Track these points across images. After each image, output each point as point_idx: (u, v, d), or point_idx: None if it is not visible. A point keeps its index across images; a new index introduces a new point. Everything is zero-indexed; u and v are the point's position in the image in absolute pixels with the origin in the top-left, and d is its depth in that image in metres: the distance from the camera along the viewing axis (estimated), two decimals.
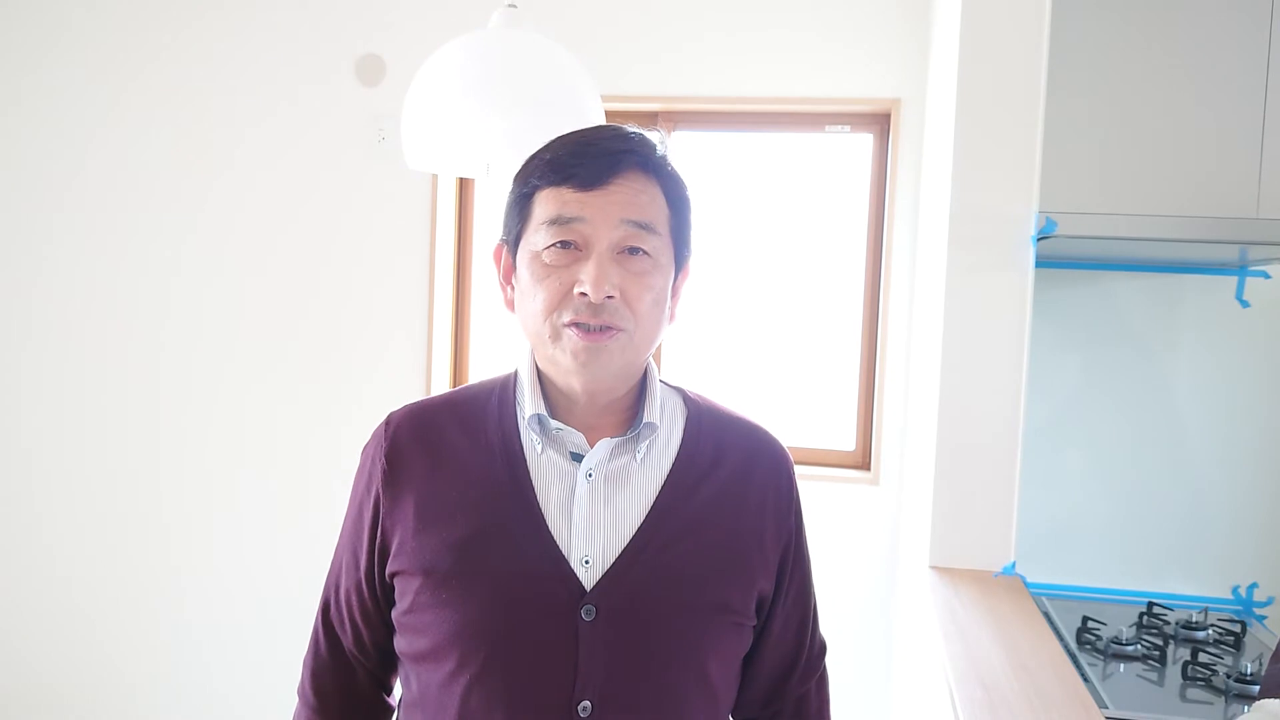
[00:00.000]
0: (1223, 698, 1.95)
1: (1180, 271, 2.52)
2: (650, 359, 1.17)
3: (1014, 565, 2.10)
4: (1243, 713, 1.52)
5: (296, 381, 3.23)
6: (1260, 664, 2.02)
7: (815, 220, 3.16)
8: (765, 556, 1.15)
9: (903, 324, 2.91)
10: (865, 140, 3.06)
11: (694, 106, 3.04)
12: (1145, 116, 2.05)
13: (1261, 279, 2.46)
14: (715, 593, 1.10)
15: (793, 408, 3.19)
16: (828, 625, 3.03)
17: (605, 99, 2.14)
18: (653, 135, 1.13)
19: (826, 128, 3.06)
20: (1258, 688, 1.58)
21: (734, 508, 1.14)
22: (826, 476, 2.97)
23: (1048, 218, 1.99)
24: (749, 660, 1.20)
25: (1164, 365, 2.54)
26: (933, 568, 2.11)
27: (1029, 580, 2.48)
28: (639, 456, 1.12)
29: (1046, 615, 2.36)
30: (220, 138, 3.23)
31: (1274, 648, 1.61)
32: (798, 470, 3.33)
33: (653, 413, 1.13)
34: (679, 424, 1.18)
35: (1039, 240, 2.08)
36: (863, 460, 3.04)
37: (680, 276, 1.15)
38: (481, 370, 3.29)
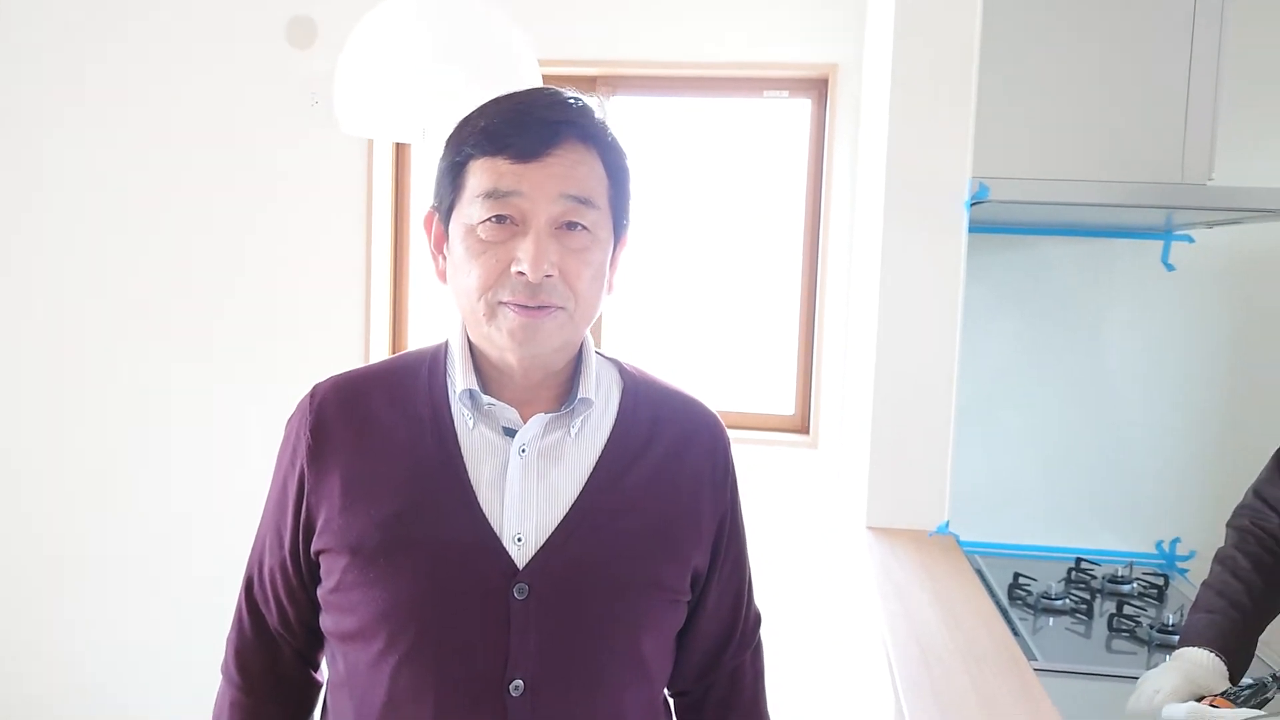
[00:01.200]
0: (1146, 648, 2.02)
1: (1110, 236, 2.57)
2: (587, 332, 1.14)
3: (948, 525, 2.14)
4: (1164, 661, 1.57)
5: (226, 352, 3.17)
6: (1181, 615, 2.09)
7: (755, 186, 3.17)
8: (700, 532, 1.14)
9: (841, 288, 2.94)
10: (804, 106, 3.07)
11: (633, 71, 3.02)
12: (1075, 83, 2.09)
13: (1186, 243, 2.53)
14: (650, 569, 1.09)
15: (733, 372, 3.22)
16: (768, 588, 3.07)
17: (542, 63, 2.12)
18: (591, 101, 1.09)
19: (765, 93, 3.06)
20: (1178, 638, 1.64)
21: (670, 483, 1.13)
22: (766, 440, 3.00)
23: (980, 183, 2.02)
24: (684, 633, 1.19)
25: (1094, 328, 2.60)
26: (870, 528, 2.15)
27: (963, 539, 2.54)
28: (573, 432, 1.10)
29: (980, 573, 2.42)
30: (145, 101, 3.14)
31: (1193, 599, 1.68)
32: (738, 435, 3.36)
33: (588, 388, 1.11)
34: (614, 398, 1.16)
35: (972, 205, 2.11)
36: (802, 424, 3.07)
37: (619, 247, 1.13)
38: (422, 339, 3.26)
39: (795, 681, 2.97)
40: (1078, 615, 2.19)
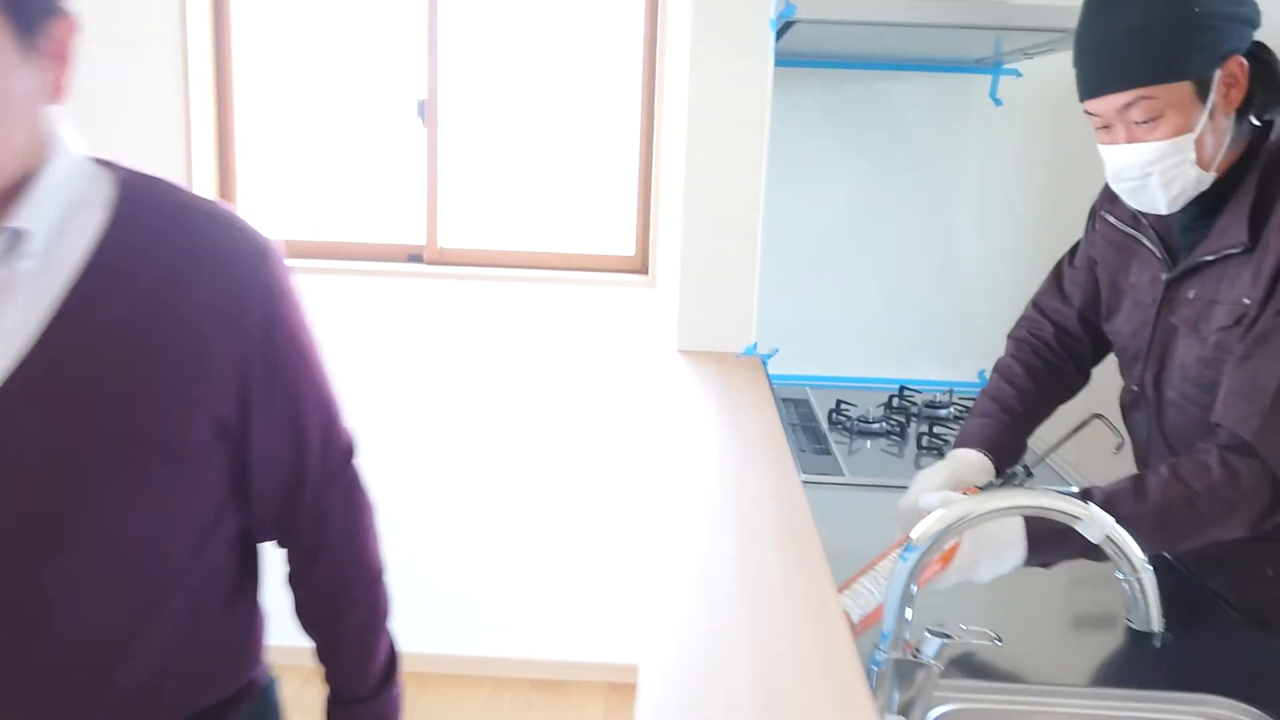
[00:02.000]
0: None
1: (940, 70, 2.58)
2: (61, 147, 0.96)
3: (755, 346, 2.19)
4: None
5: None
6: None
7: (593, 22, 3.10)
8: (211, 373, 0.98)
9: (678, 127, 2.92)
10: None
11: None
12: None
13: (1014, 77, 2.55)
14: (132, 422, 0.94)
15: (574, 215, 3.19)
16: (615, 425, 3.09)
17: None
18: None
19: None
20: None
21: (162, 317, 0.95)
22: (607, 281, 3.00)
23: (788, 2, 1.99)
24: (246, 486, 1.07)
25: (927, 164, 2.64)
26: (680, 351, 2.19)
27: (797, 373, 2.61)
28: (26, 264, 0.92)
29: (807, 402, 2.49)
30: None
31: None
32: (577, 277, 3.30)
33: (25, 215, 0.92)
34: (98, 219, 0.96)
35: (789, 28, 2.09)
36: (642, 265, 3.08)
37: (46, 41, 0.92)
38: (252, 173, 3.14)
39: (589, 496, 3.10)
40: (892, 437, 2.27)
